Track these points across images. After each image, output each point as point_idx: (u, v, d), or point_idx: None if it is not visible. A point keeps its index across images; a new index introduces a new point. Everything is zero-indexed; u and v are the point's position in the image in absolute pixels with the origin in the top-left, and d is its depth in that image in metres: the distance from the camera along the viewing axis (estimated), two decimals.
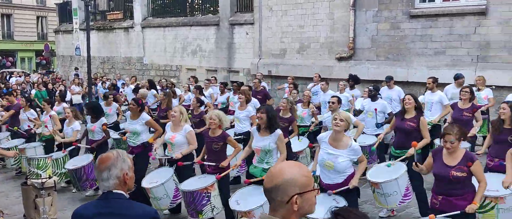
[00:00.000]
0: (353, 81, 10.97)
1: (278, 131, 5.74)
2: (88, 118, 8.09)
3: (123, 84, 16.92)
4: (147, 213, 2.68)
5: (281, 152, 5.73)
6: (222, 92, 11.99)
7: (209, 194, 5.78)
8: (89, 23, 16.54)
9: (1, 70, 29.05)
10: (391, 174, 5.82)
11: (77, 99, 16.71)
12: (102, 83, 17.75)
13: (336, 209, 1.69)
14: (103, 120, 7.95)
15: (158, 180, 6.24)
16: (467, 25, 11.21)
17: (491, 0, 10.78)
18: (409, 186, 5.89)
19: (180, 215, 6.90)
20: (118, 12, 22.34)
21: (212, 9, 18.91)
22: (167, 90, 11.31)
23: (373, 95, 8.39)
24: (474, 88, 8.34)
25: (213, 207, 5.80)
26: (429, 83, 8.98)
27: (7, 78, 24.48)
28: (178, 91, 12.77)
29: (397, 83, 10.55)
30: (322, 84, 10.54)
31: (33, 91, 16.95)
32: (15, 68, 32.52)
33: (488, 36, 10.93)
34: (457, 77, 9.68)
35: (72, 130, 8.29)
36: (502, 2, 10.63)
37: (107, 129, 8.09)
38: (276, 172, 1.94)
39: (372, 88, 8.56)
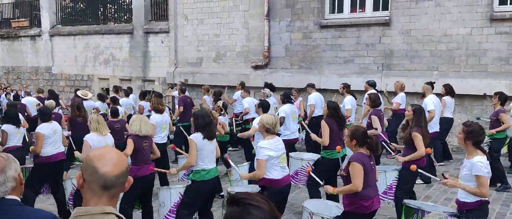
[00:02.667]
0: (269, 88, 11.21)
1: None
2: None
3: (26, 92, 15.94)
4: (45, 217, 2.53)
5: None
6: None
7: None
8: None
9: None
10: None
11: None
12: (6, 94, 16.59)
13: (234, 195, 1.70)
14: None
15: None
16: (372, 35, 11.91)
17: (394, 12, 11.55)
18: None
19: None
20: (24, 19, 21.05)
21: (126, 17, 18.43)
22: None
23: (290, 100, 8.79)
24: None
25: None
26: (340, 88, 9.57)
27: None
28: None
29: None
30: (242, 92, 10.86)
31: None
32: None
33: (392, 46, 11.68)
34: (371, 84, 10.37)
35: None
36: (404, 13, 11.43)
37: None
38: None
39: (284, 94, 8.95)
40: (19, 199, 2.49)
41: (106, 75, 17.74)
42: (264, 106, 7.46)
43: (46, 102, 11.71)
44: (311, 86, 10.90)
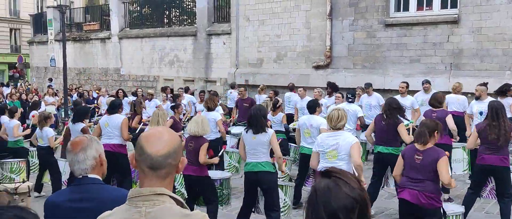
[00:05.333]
0: (332, 88, 11.11)
1: None
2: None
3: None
4: (123, 196, 2.61)
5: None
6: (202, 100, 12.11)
7: None
8: (65, 33, 16.33)
9: None
10: None
11: (51, 109, 16.37)
12: (77, 94, 17.50)
13: (326, 168, 1.70)
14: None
15: None
16: (440, 33, 11.47)
17: (463, 9, 11.08)
18: None
19: None
20: (94, 23, 22.15)
21: (189, 20, 18.93)
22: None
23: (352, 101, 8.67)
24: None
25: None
26: (402, 87, 9.22)
27: None
28: (157, 101, 12.84)
29: (374, 90, 10.71)
30: (300, 90, 10.72)
31: (7, 102, 16.56)
32: None
33: (461, 44, 11.20)
34: (422, 83, 10.02)
35: (47, 136, 8.11)
36: (474, 11, 10.93)
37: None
38: None
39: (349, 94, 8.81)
40: (101, 179, 2.59)
41: (171, 76, 18.27)
42: (309, 106, 7.43)
43: (107, 98, 12.34)
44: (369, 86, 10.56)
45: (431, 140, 4.63)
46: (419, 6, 12.02)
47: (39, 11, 31.97)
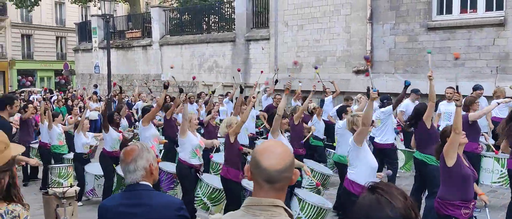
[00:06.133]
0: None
1: None
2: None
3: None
4: (174, 202, 2.69)
5: None
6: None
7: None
8: (109, 40, 16.83)
9: (21, 89, 29.57)
10: None
11: (94, 115, 16.87)
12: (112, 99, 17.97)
13: (373, 183, 1.67)
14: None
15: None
16: (485, 37, 11.13)
17: (510, 12, 10.71)
18: None
19: None
20: (136, 31, 22.70)
21: (227, 26, 19.12)
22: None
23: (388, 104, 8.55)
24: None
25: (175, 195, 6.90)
26: (450, 93, 8.94)
27: (29, 97, 24.87)
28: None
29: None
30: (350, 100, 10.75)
31: (54, 108, 17.19)
32: (34, 87, 33.10)
33: (508, 48, 10.83)
34: (476, 88, 9.63)
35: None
36: None
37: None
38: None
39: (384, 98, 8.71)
40: (151, 185, 2.68)
41: (210, 82, 18.48)
42: (337, 112, 7.43)
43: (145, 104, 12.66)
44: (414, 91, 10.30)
45: None
46: (463, 9, 11.70)
47: (84, 20, 33.06)
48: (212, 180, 6.57)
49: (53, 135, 8.97)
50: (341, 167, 6.79)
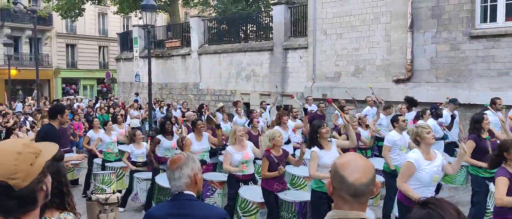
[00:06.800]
0: (409, 103, 10.75)
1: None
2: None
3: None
4: (217, 214, 2.72)
5: None
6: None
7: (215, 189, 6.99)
8: (150, 50, 17.21)
9: (65, 97, 30.61)
10: None
11: (135, 123, 17.26)
12: (159, 108, 18.33)
13: (425, 198, 1.65)
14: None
15: None
16: None
17: None
18: None
19: None
20: (175, 40, 23.12)
21: (264, 35, 19.22)
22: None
23: (437, 114, 8.36)
24: None
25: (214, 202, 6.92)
26: (499, 104, 8.62)
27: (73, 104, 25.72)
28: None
29: (459, 105, 10.24)
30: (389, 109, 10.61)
31: (97, 115, 17.69)
32: (78, 95, 34.21)
33: None
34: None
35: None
36: None
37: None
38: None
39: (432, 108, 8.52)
40: (195, 195, 2.72)
41: (247, 90, 18.61)
42: (390, 120, 7.35)
43: (187, 113, 12.75)
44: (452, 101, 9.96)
45: None
46: (508, 17, 11.35)
47: (125, 30, 33.96)
48: (244, 191, 6.58)
49: (103, 143, 9.38)
50: (389, 177, 6.73)
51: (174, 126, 11.31)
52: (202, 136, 7.72)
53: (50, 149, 1.72)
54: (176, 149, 8.25)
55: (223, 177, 7.30)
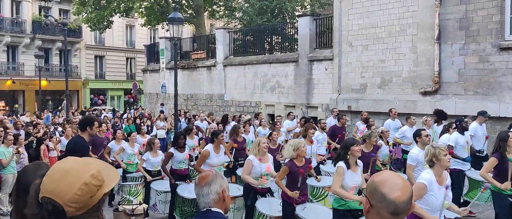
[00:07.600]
0: (438, 116, 10.59)
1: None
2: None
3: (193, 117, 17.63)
4: None
5: None
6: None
7: None
8: (177, 62, 17.45)
9: (93, 107, 31.20)
10: None
11: (161, 133, 17.45)
12: (185, 119, 18.49)
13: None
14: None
15: None
16: None
17: None
18: None
19: None
20: (201, 52, 23.35)
21: (290, 47, 19.25)
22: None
23: (463, 128, 8.18)
24: None
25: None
26: None
27: (100, 115, 26.21)
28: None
29: (488, 118, 10.02)
30: (409, 119, 10.50)
31: (123, 126, 17.96)
32: (105, 105, 34.81)
33: None
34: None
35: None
36: None
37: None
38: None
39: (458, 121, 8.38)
40: (223, 212, 2.73)
41: (272, 102, 18.62)
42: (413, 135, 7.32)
43: (212, 124, 12.86)
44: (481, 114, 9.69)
45: None
46: None
47: (152, 42, 34.48)
48: (260, 204, 6.47)
49: (124, 154, 9.50)
50: None
51: (196, 136, 11.50)
52: (220, 148, 7.74)
53: (113, 179, 1.72)
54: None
55: (236, 191, 7.18)
